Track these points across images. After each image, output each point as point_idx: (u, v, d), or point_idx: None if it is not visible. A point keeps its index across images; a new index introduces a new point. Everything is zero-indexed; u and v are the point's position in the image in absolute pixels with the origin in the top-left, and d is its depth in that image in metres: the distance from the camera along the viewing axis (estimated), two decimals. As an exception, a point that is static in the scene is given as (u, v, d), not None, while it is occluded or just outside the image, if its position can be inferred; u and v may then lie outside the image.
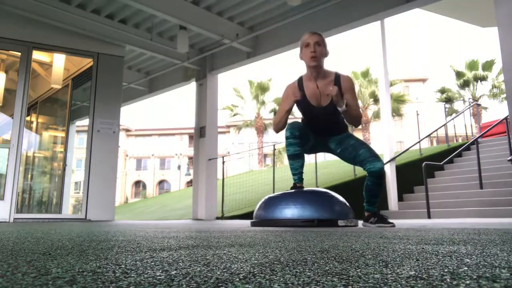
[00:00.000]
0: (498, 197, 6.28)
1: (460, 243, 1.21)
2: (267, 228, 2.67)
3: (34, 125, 8.09)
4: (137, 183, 43.14)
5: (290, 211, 2.99)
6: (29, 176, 7.98)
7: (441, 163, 7.18)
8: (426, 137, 10.15)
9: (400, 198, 7.69)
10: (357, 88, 22.66)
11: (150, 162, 43.17)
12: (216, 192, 7.64)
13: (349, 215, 3.07)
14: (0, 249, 1.11)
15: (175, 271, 0.67)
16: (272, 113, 27.71)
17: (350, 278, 0.59)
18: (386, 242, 1.31)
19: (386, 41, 7.63)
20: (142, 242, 1.39)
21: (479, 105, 18.96)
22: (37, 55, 6.70)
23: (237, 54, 7.27)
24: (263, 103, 28.78)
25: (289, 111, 3.14)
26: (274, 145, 10.22)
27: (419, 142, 9.12)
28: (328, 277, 0.60)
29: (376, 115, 23.24)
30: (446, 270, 0.66)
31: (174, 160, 42.49)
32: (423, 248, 1.07)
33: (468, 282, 0.55)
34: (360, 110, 3.30)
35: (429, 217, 6.13)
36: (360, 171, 7.85)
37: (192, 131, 8.16)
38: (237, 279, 0.59)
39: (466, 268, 0.68)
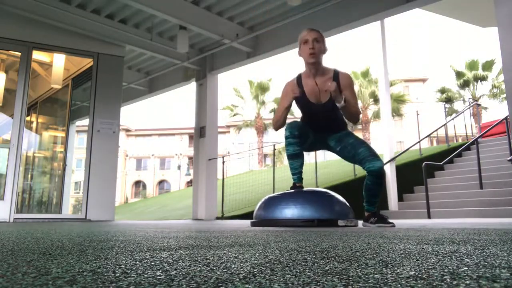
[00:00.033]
0: (498, 197, 6.28)
1: (460, 243, 1.21)
2: (267, 228, 2.67)
3: (34, 125, 8.09)
4: (137, 183, 43.14)
5: (290, 211, 2.99)
6: (29, 176, 7.98)
7: (441, 163, 7.18)
8: (426, 137, 10.15)
9: (400, 198, 7.69)
10: (357, 88, 22.70)
11: (150, 162, 43.17)
12: (216, 192, 7.64)
13: (349, 215, 3.07)
14: (0, 249, 1.11)
15: (175, 271, 0.67)
16: (272, 113, 27.70)
17: (350, 278, 0.59)
18: (386, 242, 1.31)
19: (386, 41, 7.63)
20: (142, 242, 1.39)
21: (479, 105, 18.95)
22: (37, 55, 6.70)
23: (237, 54, 7.27)
24: (263, 103, 28.78)
25: (288, 108, 3.14)
26: (274, 145, 10.23)
27: (419, 142, 9.12)
28: (328, 277, 0.60)
29: (376, 115, 23.24)
30: (446, 270, 0.66)
31: (174, 160, 42.48)
32: (423, 248, 1.07)
33: (468, 282, 0.55)
34: (360, 109, 3.30)
35: (429, 217, 6.13)
36: (360, 171, 7.85)
37: (192, 131, 8.16)
38: (237, 279, 0.59)
39: (466, 268, 0.68)
